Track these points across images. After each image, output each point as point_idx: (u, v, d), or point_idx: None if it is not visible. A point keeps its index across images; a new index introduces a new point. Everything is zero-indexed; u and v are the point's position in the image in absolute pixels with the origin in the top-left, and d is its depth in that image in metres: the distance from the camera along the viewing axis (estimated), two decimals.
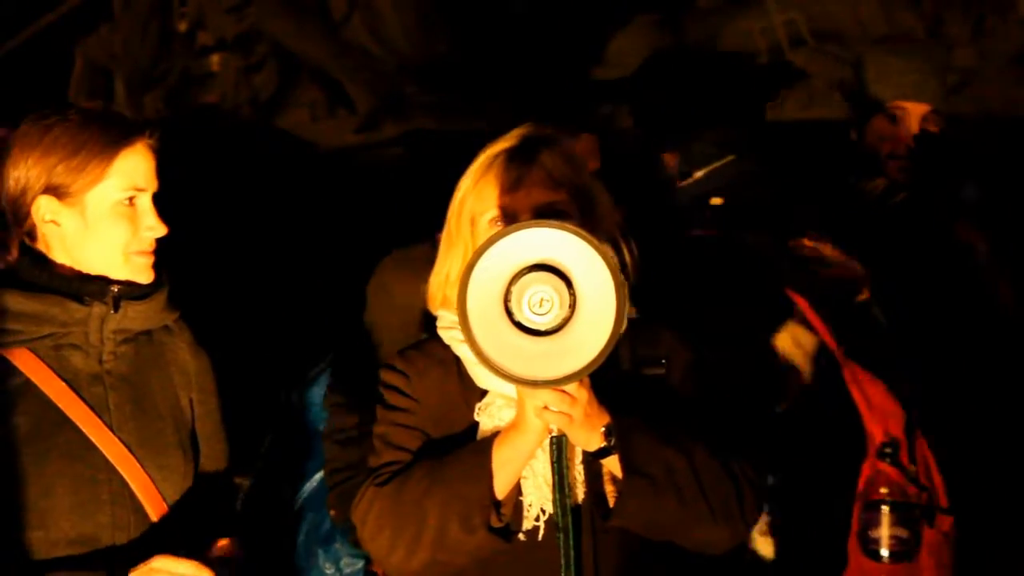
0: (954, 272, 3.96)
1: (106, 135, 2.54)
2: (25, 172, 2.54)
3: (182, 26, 6.62)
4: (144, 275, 2.57)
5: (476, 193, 2.53)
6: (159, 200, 2.69)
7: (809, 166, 4.54)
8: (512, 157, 2.52)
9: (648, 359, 2.58)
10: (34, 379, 2.52)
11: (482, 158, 2.55)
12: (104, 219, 2.55)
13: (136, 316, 2.59)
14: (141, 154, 2.55)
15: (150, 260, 2.57)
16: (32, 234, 2.57)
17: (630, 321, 2.54)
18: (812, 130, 5.73)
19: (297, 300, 4.76)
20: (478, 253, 2.25)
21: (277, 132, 6.52)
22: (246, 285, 5.92)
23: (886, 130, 4.03)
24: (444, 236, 2.61)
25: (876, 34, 5.49)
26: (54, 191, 2.52)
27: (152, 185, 2.57)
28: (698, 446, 2.46)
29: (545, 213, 2.42)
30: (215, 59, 6.60)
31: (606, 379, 2.45)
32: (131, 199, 2.55)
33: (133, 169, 2.55)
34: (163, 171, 2.84)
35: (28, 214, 2.54)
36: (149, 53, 6.61)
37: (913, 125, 4.02)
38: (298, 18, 6.42)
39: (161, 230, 2.57)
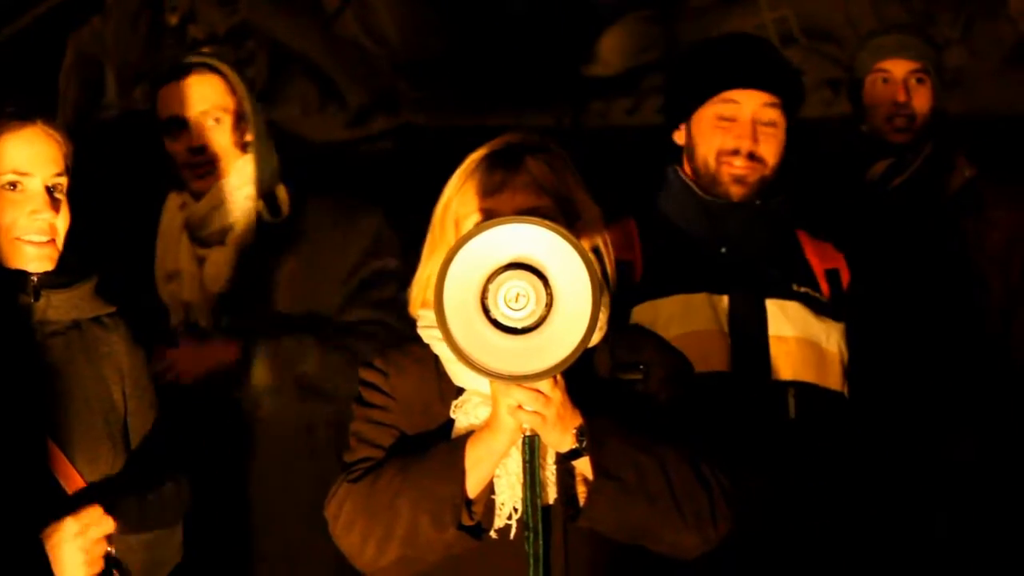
0: (944, 264, 3.95)
1: None
2: None
3: (173, 19, 6.59)
4: (39, 263, 2.55)
5: (460, 196, 2.57)
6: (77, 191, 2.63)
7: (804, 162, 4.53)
8: (496, 161, 2.56)
9: (627, 364, 2.60)
10: None
11: (467, 162, 2.59)
12: None
13: (60, 305, 2.58)
14: (29, 138, 2.52)
15: (46, 249, 2.54)
16: None
17: (613, 325, 2.57)
18: (804, 127, 5.70)
19: None
20: (457, 246, 2.29)
21: (267, 126, 6.49)
22: None
23: (879, 94, 4.02)
24: (428, 239, 2.65)
25: (866, 31, 5.46)
26: None
27: (43, 170, 2.52)
28: (671, 451, 2.48)
29: (530, 216, 2.43)
30: (205, 52, 6.55)
31: (583, 382, 2.48)
32: (13, 184, 2.50)
33: (15, 153, 2.51)
34: (144, 168, 2.81)
35: None
36: (140, 45, 6.58)
37: (899, 81, 4.01)
38: (290, 12, 6.41)
39: (48, 215, 2.53)
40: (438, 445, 2.51)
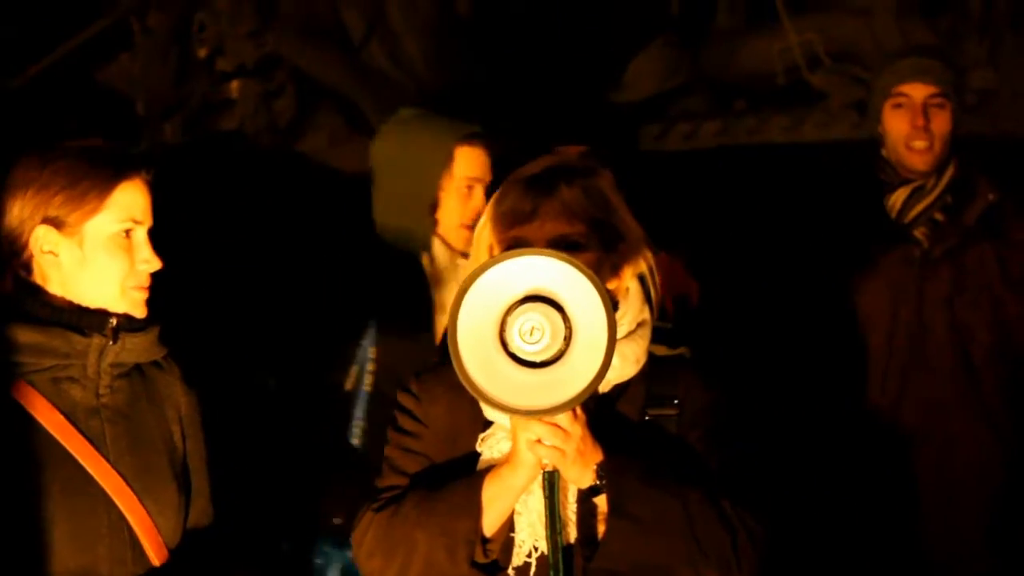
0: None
1: (105, 168, 2.62)
2: (24, 203, 2.62)
3: (201, 52, 6.62)
4: (139, 309, 2.64)
5: (492, 222, 2.55)
6: (159, 233, 2.72)
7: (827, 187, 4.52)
8: (529, 187, 2.53)
9: (662, 398, 2.57)
10: (34, 413, 2.55)
11: (503, 187, 2.56)
12: (101, 251, 2.61)
13: (133, 349, 2.65)
14: (138, 188, 2.62)
15: (145, 295, 2.63)
16: (28, 267, 2.62)
17: (651, 358, 2.54)
18: (831, 151, 5.69)
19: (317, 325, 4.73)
20: (470, 279, 2.26)
21: (296, 157, 6.53)
22: (265, 310, 5.94)
23: (897, 118, 3.99)
24: (467, 265, 2.63)
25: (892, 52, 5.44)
26: (52, 221, 2.58)
27: (148, 219, 2.64)
28: (695, 491, 2.44)
29: (558, 245, 2.42)
30: (234, 85, 6.60)
31: (613, 417, 2.45)
32: (128, 232, 2.60)
33: (130, 202, 2.64)
34: (174, 202, 2.87)
35: (26, 245, 2.61)
36: (169, 80, 6.62)
37: (918, 105, 3.98)
38: (316, 43, 6.43)
39: (156, 264, 2.63)
40: (458, 479, 2.50)
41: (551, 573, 2.40)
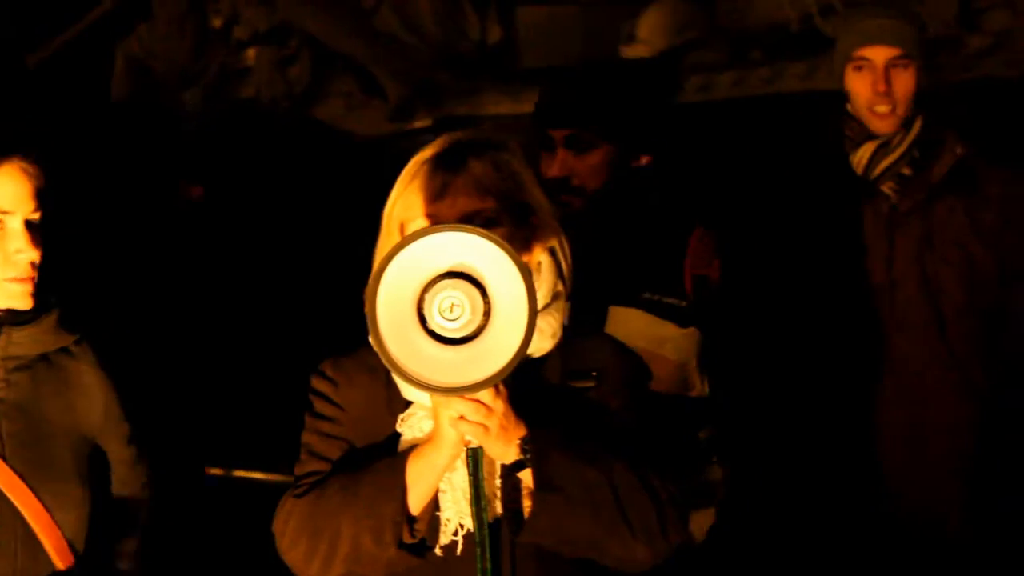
0: None
1: None
2: None
3: (217, 22, 6.64)
4: (22, 301, 2.55)
5: (403, 200, 2.53)
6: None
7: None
8: (438, 164, 2.51)
9: (579, 372, 2.55)
10: None
11: (410, 165, 2.55)
12: None
13: (22, 342, 2.57)
14: (8, 175, 2.50)
15: (27, 287, 2.54)
16: None
17: (566, 332, 2.52)
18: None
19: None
20: (389, 256, 2.24)
21: (313, 123, 6.53)
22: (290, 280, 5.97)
23: (859, 82, 3.93)
24: (377, 245, 2.61)
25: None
26: None
27: (22, 207, 2.52)
28: (619, 462, 2.43)
29: (471, 221, 2.40)
30: (250, 53, 6.62)
31: (532, 391, 2.44)
32: None
33: None
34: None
35: None
36: (186, 50, 6.64)
37: (880, 69, 3.91)
38: (327, 9, 6.42)
39: (32, 254, 2.53)
40: (381, 460, 2.48)
41: (477, 550, 2.39)
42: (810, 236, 4.05)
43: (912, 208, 3.96)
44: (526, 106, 6.07)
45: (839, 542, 4.00)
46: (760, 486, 3.95)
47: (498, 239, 2.25)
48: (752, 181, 4.48)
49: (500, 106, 6.24)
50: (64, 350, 2.69)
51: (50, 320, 2.66)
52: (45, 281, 2.65)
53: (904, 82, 3.95)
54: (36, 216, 2.57)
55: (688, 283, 3.58)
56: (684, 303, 3.57)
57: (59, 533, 2.60)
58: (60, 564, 2.58)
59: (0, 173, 2.54)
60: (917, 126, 3.98)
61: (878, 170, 3.98)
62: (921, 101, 4.02)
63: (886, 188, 3.99)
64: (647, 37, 6.26)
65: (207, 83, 6.68)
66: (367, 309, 2.25)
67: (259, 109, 6.54)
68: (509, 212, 2.51)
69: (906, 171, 3.97)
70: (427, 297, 2.27)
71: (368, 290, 2.25)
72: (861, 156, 4.01)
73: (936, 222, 3.93)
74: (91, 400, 2.71)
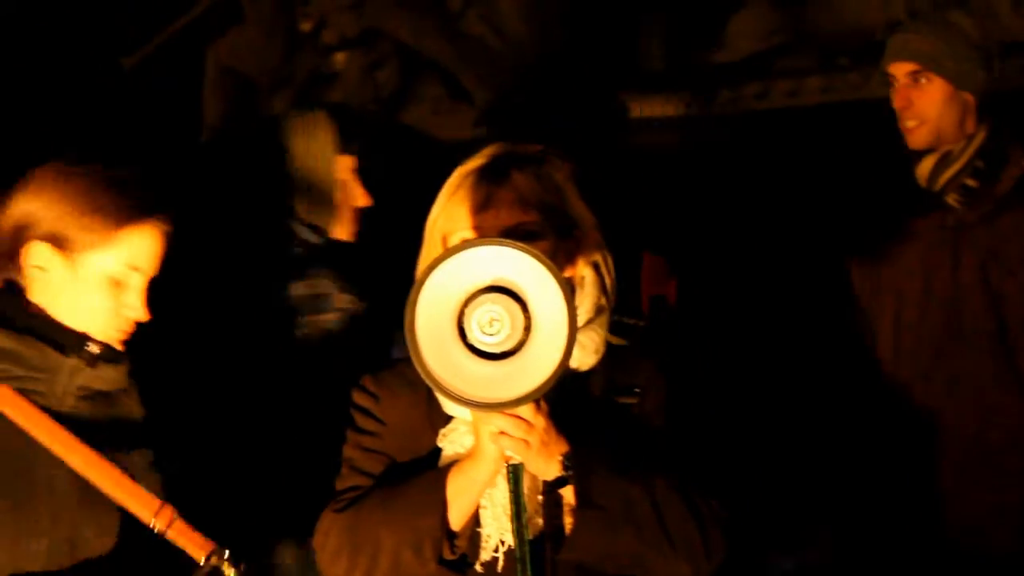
0: None
1: (123, 203, 2.54)
2: (34, 210, 2.55)
3: (306, 26, 6.67)
4: (117, 344, 2.58)
5: (446, 213, 2.53)
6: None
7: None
8: (482, 176, 2.50)
9: (622, 388, 2.54)
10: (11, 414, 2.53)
11: (454, 176, 2.55)
12: (93, 286, 2.55)
13: (105, 378, 2.60)
14: (151, 235, 2.55)
15: (124, 336, 2.57)
16: (20, 271, 2.58)
17: (610, 348, 2.50)
18: None
19: None
20: (428, 269, 2.23)
21: (400, 127, 6.54)
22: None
23: (893, 100, 3.89)
24: (421, 256, 2.61)
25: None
26: (52, 239, 2.52)
27: (151, 269, 2.56)
28: (661, 479, 2.41)
29: (514, 234, 2.38)
30: (339, 57, 6.64)
31: (575, 407, 2.42)
32: (125, 275, 2.54)
33: (138, 247, 2.55)
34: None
35: (20, 252, 2.56)
36: (277, 54, 6.68)
37: (899, 86, 3.87)
38: (414, 13, 6.42)
39: (142, 315, 2.57)
40: (422, 475, 2.48)
41: (518, 567, 2.37)
42: (869, 248, 4.00)
43: (978, 220, 3.88)
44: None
45: (896, 562, 3.94)
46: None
47: (539, 254, 2.24)
48: (815, 190, 4.42)
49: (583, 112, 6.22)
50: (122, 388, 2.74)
51: (127, 363, 2.69)
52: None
53: (926, 96, 3.89)
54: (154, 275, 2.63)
55: (645, 304, 3.55)
56: (642, 323, 3.53)
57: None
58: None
59: (145, 230, 2.59)
60: (980, 137, 3.92)
61: (941, 182, 3.92)
62: (983, 109, 3.94)
63: (950, 200, 3.92)
64: (733, 41, 6.22)
65: (296, 88, 6.71)
66: (406, 322, 2.24)
67: (349, 113, 6.54)
68: (552, 225, 2.50)
69: (971, 182, 3.90)
70: (467, 311, 2.25)
71: (408, 303, 2.24)
72: (923, 169, 3.95)
73: (1003, 235, 3.85)
74: (132, 430, 2.74)
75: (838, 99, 6.04)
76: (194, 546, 2.50)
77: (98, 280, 2.58)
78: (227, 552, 2.48)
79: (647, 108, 6.22)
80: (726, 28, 6.24)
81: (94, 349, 2.60)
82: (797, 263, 4.71)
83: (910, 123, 3.92)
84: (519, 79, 6.35)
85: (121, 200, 2.58)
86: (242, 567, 2.47)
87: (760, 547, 4.38)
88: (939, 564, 3.87)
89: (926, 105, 3.90)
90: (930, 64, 3.89)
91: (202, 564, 2.48)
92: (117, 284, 2.59)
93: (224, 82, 6.80)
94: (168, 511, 2.53)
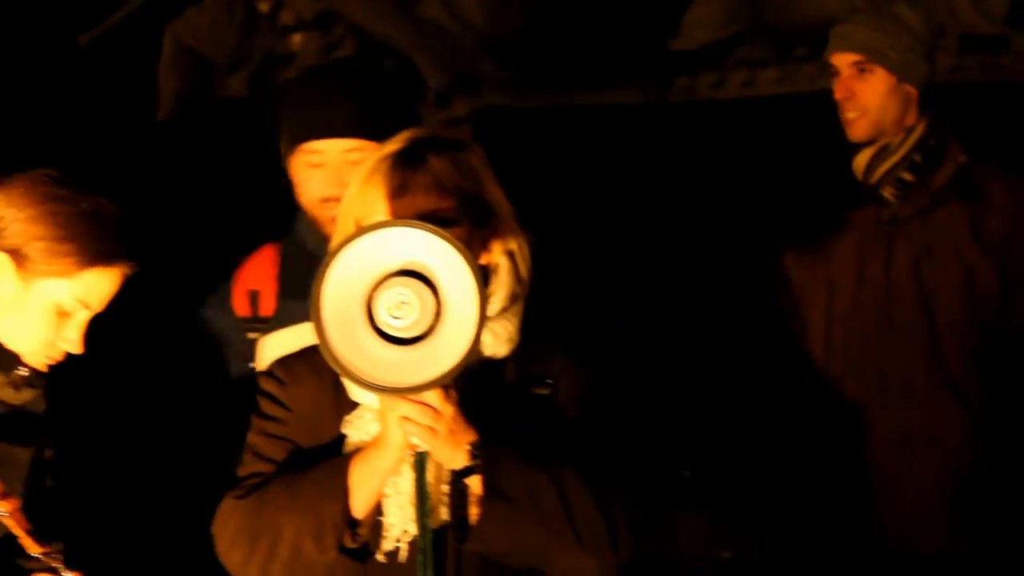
0: None
1: (99, 245, 2.50)
2: (7, 218, 2.52)
3: (264, 7, 6.64)
4: (40, 366, 2.56)
5: (360, 197, 2.48)
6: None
7: None
8: (398, 161, 2.46)
9: (535, 378, 2.50)
10: None
11: (370, 160, 2.50)
12: (38, 310, 2.51)
13: (22, 398, 2.58)
14: (111, 278, 2.52)
15: (51, 364, 2.55)
16: None
17: (523, 338, 2.47)
18: None
19: None
20: (335, 252, 2.19)
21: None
22: None
23: (834, 89, 3.88)
24: (332, 241, 2.57)
25: None
26: (16, 254, 2.46)
27: (100, 308, 2.53)
28: (571, 472, 2.37)
29: (429, 221, 2.33)
30: (296, 39, 6.61)
31: (486, 396, 2.40)
32: (73, 308, 2.52)
33: (96, 287, 2.51)
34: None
35: None
36: (234, 34, 6.64)
37: (841, 77, 3.85)
38: None
39: (76, 350, 2.55)
40: (324, 462, 2.44)
41: (420, 557, 2.34)
42: (805, 240, 3.98)
43: (913, 214, 3.86)
44: (572, 97, 6.14)
45: (825, 557, 3.92)
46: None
47: (452, 238, 2.20)
48: (762, 180, 4.41)
49: (541, 98, 6.20)
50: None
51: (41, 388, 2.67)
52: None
53: (868, 87, 3.86)
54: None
55: None
56: None
57: None
58: None
59: (108, 273, 2.54)
60: (919, 130, 3.88)
61: (877, 175, 3.89)
62: (927, 105, 3.91)
63: (886, 193, 3.90)
64: (690, 30, 6.19)
65: (253, 68, 6.67)
66: (312, 303, 2.20)
67: None
68: (469, 212, 2.46)
69: (907, 176, 3.87)
70: (376, 295, 2.22)
71: (315, 283, 2.20)
72: (860, 161, 3.93)
73: (937, 230, 3.83)
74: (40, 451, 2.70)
75: (794, 90, 6.02)
76: (29, 540, 2.49)
77: (45, 307, 2.53)
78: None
79: (603, 96, 6.19)
80: (683, 16, 6.20)
81: (23, 372, 2.58)
82: (738, 253, 4.68)
83: (851, 114, 3.90)
84: (475, 64, 6.32)
85: (97, 241, 2.52)
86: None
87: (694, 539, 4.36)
88: (867, 563, 3.85)
89: (868, 96, 3.87)
90: (873, 55, 3.86)
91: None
92: (62, 315, 2.55)
93: (181, 61, 6.75)
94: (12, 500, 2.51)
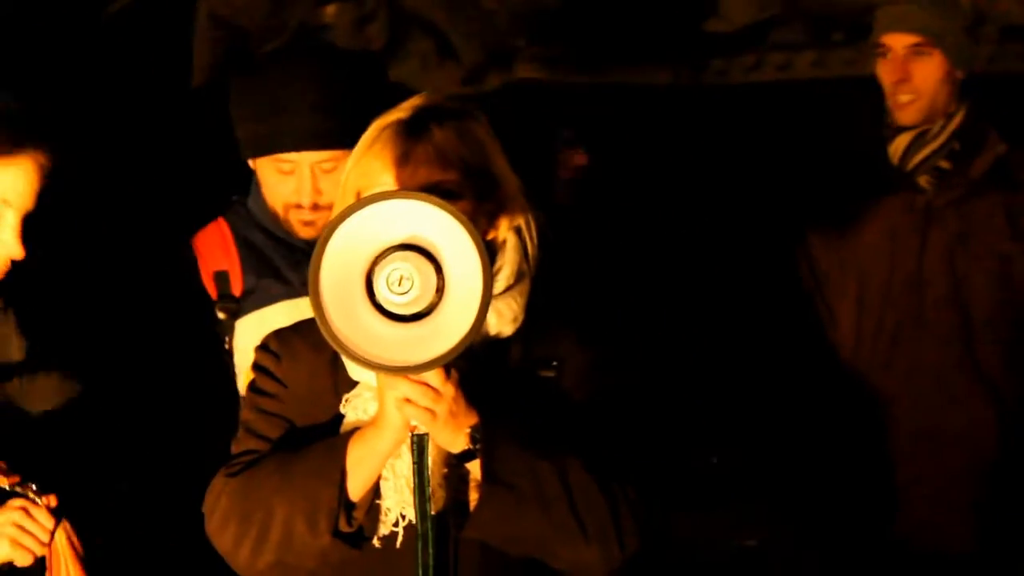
0: None
1: None
2: None
3: None
4: None
5: (361, 167, 2.40)
6: None
7: None
8: (400, 130, 2.37)
9: (541, 360, 2.42)
10: None
11: (371, 129, 2.41)
12: None
13: None
14: (23, 168, 2.44)
15: None
16: None
17: (528, 318, 2.40)
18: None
19: None
20: (333, 224, 2.12)
21: (388, 83, 6.45)
22: None
23: (881, 71, 3.78)
24: (332, 213, 2.50)
25: None
26: None
27: (23, 203, 2.46)
28: (575, 459, 2.29)
29: (431, 192, 2.24)
30: (330, 10, 6.56)
31: (487, 376, 2.33)
32: None
33: (10, 181, 2.43)
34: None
35: None
36: (268, 4, 6.59)
37: (898, 58, 3.74)
38: None
39: (16, 252, 2.47)
40: (320, 442, 2.37)
41: (419, 543, 2.28)
42: (833, 226, 3.90)
43: (948, 203, 3.77)
44: (604, 75, 6.08)
45: (848, 556, 3.85)
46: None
47: (456, 211, 2.12)
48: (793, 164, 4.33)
49: (575, 74, 6.15)
50: None
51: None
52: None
53: (926, 71, 3.76)
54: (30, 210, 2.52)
55: None
56: None
57: None
58: None
59: (15, 163, 2.47)
60: (959, 118, 3.80)
61: (914, 161, 3.80)
62: (964, 89, 3.83)
63: (922, 181, 3.81)
64: (729, 13, 6.12)
65: (286, 39, 6.62)
66: (310, 278, 2.13)
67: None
68: (473, 185, 2.37)
69: (944, 164, 3.79)
70: (377, 270, 2.14)
71: (313, 256, 2.13)
72: (897, 147, 3.83)
73: (972, 220, 3.75)
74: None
75: (830, 75, 5.94)
76: None
77: None
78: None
79: (636, 75, 6.13)
80: None
81: None
82: (767, 237, 4.61)
83: (903, 97, 3.80)
84: (508, 38, 6.26)
85: None
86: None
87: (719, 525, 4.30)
88: (891, 561, 3.78)
89: (923, 80, 3.78)
90: (933, 38, 3.76)
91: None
92: None
93: (215, 32, 6.71)
94: None
